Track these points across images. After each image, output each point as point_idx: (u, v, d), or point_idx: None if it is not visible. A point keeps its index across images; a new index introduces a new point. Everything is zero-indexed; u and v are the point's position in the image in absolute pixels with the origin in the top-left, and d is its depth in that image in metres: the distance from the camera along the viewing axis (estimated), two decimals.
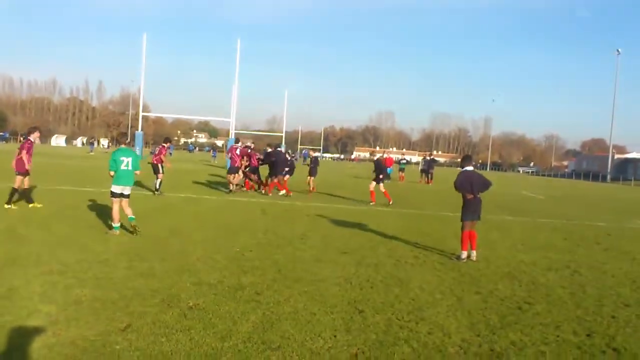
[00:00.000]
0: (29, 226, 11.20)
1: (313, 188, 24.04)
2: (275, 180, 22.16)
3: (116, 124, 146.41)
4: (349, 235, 12.69)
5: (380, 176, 20.33)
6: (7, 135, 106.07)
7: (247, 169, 22.92)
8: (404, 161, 42.99)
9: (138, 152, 46.71)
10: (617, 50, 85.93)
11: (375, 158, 21.61)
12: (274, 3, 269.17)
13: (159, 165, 19.75)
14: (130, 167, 11.25)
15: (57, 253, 8.95)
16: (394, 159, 47.86)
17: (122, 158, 11.19)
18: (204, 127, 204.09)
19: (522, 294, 8.20)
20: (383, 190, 20.44)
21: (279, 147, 24.11)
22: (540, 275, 9.67)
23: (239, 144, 23.68)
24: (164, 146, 20.86)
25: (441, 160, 54.38)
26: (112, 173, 11.18)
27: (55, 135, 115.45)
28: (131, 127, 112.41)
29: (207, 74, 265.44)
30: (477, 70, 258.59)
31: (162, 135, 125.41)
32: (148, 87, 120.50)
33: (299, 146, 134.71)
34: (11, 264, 8.04)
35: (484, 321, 6.75)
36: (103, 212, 13.64)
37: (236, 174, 22.41)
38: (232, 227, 12.81)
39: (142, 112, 54.43)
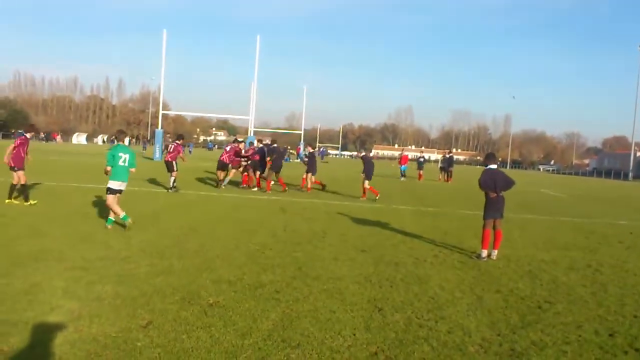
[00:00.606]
0: (52, 223, 11.32)
1: (309, 187, 23.24)
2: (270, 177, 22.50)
3: (136, 121, 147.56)
4: (367, 233, 12.68)
5: (363, 173, 21.09)
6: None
7: (248, 163, 23.05)
8: (422, 159, 42.84)
9: (157, 149, 47.10)
10: (639, 47, 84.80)
11: (361, 155, 21.89)
12: (293, 0, 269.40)
13: (174, 162, 19.83)
14: (127, 164, 11.33)
15: (79, 250, 9.05)
16: (409, 156, 47.62)
17: (120, 154, 11.27)
18: (223, 125, 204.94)
19: (543, 293, 8.13)
20: (368, 186, 21.18)
21: (272, 144, 23.87)
22: (561, 274, 9.59)
23: (254, 143, 24.19)
24: (178, 144, 20.91)
25: (460, 158, 54.28)
26: (108, 168, 11.25)
27: (77, 134, 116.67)
28: (151, 125, 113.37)
29: (226, 71, 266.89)
30: (498, 67, 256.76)
31: (182, 133, 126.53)
32: (168, 85, 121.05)
33: (317, 144, 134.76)
34: (34, 260, 8.15)
35: (504, 320, 6.71)
36: (123, 208, 13.74)
37: (222, 171, 22.86)
38: (250, 225, 12.85)
39: (162, 110, 54.83)
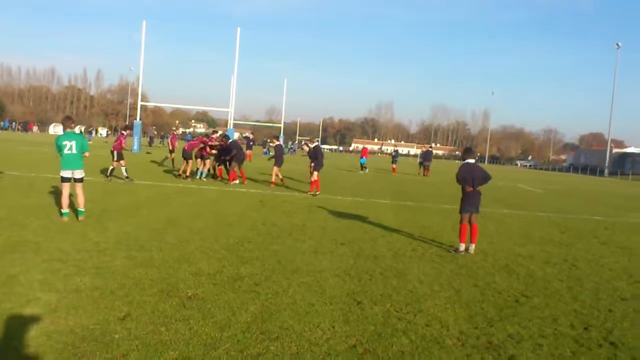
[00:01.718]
0: (29, 214, 11.19)
1: (273, 181, 22.74)
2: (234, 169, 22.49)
3: (114, 113, 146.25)
4: (347, 227, 12.71)
5: (312, 165, 20.29)
6: (7, 124, 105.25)
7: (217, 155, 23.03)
8: (396, 153, 43.21)
9: (136, 141, 46.68)
10: (617, 44, 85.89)
11: (312, 147, 21.21)
12: None
13: (120, 152, 19.69)
14: (74, 151, 11.10)
15: (57, 241, 8.96)
16: (388, 150, 47.98)
17: (64, 142, 11.06)
18: (203, 117, 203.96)
19: (520, 287, 8.23)
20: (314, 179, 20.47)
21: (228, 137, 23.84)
22: (538, 268, 9.71)
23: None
24: (123, 134, 20.77)
25: (439, 152, 55.08)
26: (60, 158, 11.16)
27: (53, 124, 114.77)
28: (129, 116, 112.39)
29: (206, 64, 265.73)
30: (477, 63, 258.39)
31: (160, 125, 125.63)
32: (147, 77, 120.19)
33: (297, 137, 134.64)
34: (11, 252, 8.05)
35: (481, 314, 6.78)
36: (100, 201, 13.63)
37: (189, 160, 22.71)
38: (230, 218, 12.81)
39: (141, 101, 54.34)
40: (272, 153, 25.15)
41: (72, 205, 11.48)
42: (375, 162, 69.38)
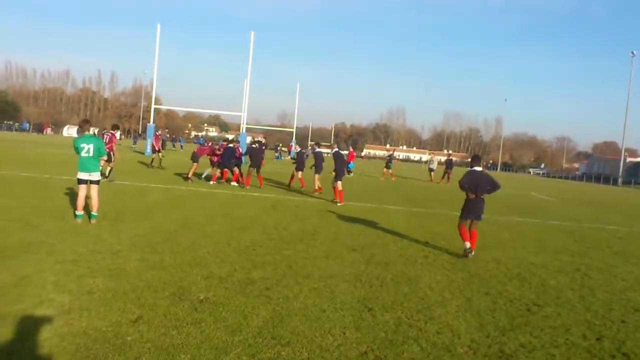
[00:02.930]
0: (43, 216, 11.27)
1: (317, 189, 22.46)
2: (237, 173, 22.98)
3: (128, 115, 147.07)
4: (358, 233, 12.71)
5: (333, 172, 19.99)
6: (26, 125, 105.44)
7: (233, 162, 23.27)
8: (389, 158, 43.15)
9: (149, 144, 46.88)
10: (632, 53, 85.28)
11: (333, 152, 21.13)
12: None
13: (110, 153, 19.75)
14: (91, 154, 11.19)
15: (70, 243, 9.02)
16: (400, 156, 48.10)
17: (82, 145, 11.15)
18: (215, 121, 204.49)
19: (532, 296, 8.19)
20: (316, 182, 20.61)
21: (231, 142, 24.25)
22: (550, 277, 9.66)
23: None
24: (113, 134, 20.96)
25: (442, 159, 55.40)
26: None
27: (67, 126, 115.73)
28: (143, 119, 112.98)
29: (220, 67, 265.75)
30: (490, 69, 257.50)
31: (173, 128, 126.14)
32: (160, 80, 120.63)
33: (309, 142, 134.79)
34: (24, 253, 8.12)
35: (493, 322, 6.75)
36: (113, 203, 13.71)
37: (195, 163, 23.36)
38: (242, 222, 12.85)
39: (154, 104, 54.62)
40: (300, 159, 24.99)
41: (87, 208, 11.53)
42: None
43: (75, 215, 11.12)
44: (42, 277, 6.95)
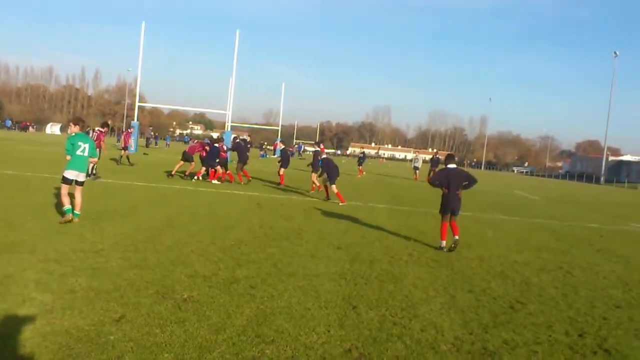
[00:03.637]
0: (25, 214, 11.16)
1: (313, 187, 22.67)
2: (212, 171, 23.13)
3: (112, 113, 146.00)
4: (344, 231, 12.72)
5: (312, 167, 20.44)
6: (10, 123, 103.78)
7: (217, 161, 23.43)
8: (362, 155, 43.84)
9: (133, 142, 46.57)
10: (615, 53, 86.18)
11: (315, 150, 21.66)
12: None
13: (97, 150, 19.65)
14: (86, 154, 11.00)
15: (53, 242, 8.94)
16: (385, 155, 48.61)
17: (79, 143, 10.90)
18: (200, 119, 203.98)
19: (515, 294, 8.25)
20: (317, 183, 20.67)
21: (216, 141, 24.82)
22: (533, 275, 9.73)
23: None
24: (102, 131, 21.09)
25: (427, 157, 56.16)
26: (68, 157, 10.91)
27: (50, 124, 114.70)
28: (127, 116, 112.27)
29: (205, 66, 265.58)
30: (475, 69, 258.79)
31: (157, 126, 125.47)
32: (145, 78, 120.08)
33: (294, 140, 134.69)
34: (7, 251, 8.03)
35: (476, 319, 6.79)
36: (97, 201, 13.61)
37: (191, 162, 23.53)
38: (227, 220, 12.81)
39: (139, 102, 54.29)
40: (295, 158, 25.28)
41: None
42: (373, 167, 69.41)
43: (65, 211, 10.76)
44: (25, 276, 6.88)
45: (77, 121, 11.46)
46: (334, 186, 18.96)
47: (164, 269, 7.85)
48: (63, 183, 10.94)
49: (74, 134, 11.16)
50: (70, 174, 10.88)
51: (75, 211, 10.93)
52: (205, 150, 23.16)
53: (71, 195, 11.00)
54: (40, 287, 6.50)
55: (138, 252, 8.72)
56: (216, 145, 23.35)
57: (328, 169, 19.40)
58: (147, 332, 5.39)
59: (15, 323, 5.32)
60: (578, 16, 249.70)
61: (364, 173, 39.90)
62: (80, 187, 11.09)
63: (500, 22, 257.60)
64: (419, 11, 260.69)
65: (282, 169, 24.21)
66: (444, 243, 11.39)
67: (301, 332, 5.79)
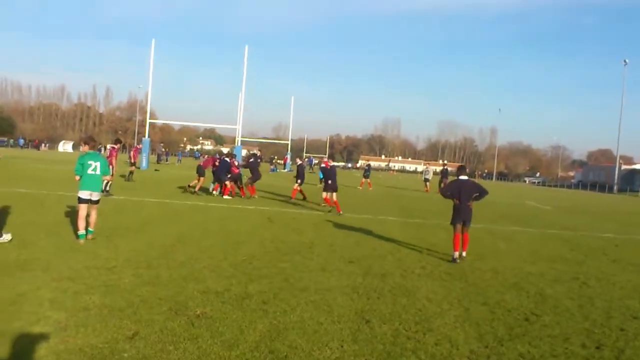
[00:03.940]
0: (39, 232, 11.22)
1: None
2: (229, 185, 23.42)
3: (123, 130, 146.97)
4: (355, 244, 12.69)
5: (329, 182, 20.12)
6: (23, 142, 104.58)
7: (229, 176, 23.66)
8: (368, 168, 44.04)
9: (145, 158, 46.86)
10: (624, 61, 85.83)
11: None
12: (281, 12, 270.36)
13: (110, 167, 19.90)
14: (98, 172, 10.94)
15: (66, 259, 8.98)
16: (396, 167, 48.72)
17: (89, 162, 10.87)
18: (210, 135, 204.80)
19: (530, 306, 8.17)
20: (325, 197, 20.56)
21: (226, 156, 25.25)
22: (548, 286, 9.64)
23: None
24: (114, 148, 21.43)
25: (437, 169, 56.56)
26: (77, 177, 10.93)
27: (63, 142, 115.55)
28: (138, 133, 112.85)
29: (214, 81, 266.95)
30: (484, 79, 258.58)
31: (168, 142, 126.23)
32: (155, 94, 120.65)
33: (304, 154, 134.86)
34: (20, 270, 8.07)
35: (491, 332, 6.73)
36: (109, 218, 13.67)
37: (202, 177, 23.94)
38: (238, 235, 12.82)
39: (149, 118, 54.62)
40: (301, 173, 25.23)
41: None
42: (384, 179, 69.32)
43: (78, 236, 10.75)
44: (39, 294, 6.91)
45: (88, 140, 11.53)
46: (326, 194, 19.99)
47: (177, 285, 7.85)
48: (79, 203, 10.95)
49: (85, 154, 11.19)
50: (84, 194, 10.86)
51: (89, 228, 10.92)
52: (215, 165, 23.42)
53: (88, 215, 10.99)
54: (54, 305, 6.52)
55: (151, 269, 8.74)
56: (226, 159, 23.48)
57: (326, 179, 20.22)
58: (161, 349, 5.38)
59: (30, 341, 5.34)
60: (587, 23, 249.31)
61: (371, 187, 39.65)
62: (96, 206, 11.07)
63: (507, 30, 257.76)
64: (426, 21, 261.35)
65: (297, 184, 23.93)
66: (456, 254, 11.44)
67: (314, 347, 5.76)
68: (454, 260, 11.33)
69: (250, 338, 5.88)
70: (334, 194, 19.78)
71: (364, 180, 40.50)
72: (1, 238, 10.05)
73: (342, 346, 5.85)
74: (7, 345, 5.21)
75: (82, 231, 10.71)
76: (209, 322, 6.32)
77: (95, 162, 10.95)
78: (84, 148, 11.34)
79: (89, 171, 10.87)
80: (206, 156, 26.44)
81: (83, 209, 10.83)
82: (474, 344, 6.26)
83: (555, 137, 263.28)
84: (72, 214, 13.64)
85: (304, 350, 5.64)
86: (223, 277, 8.55)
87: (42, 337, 5.46)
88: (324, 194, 20.12)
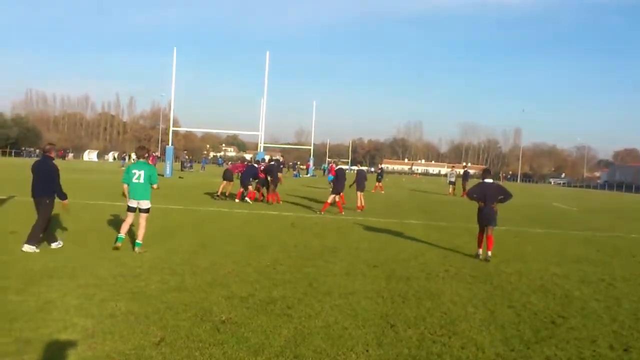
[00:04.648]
0: (64, 240, 11.35)
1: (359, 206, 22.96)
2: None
3: (147, 138, 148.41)
4: (378, 248, 12.67)
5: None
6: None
7: (256, 182, 24.53)
8: (380, 171, 44.93)
9: (169, 166, 47.25)
10: None
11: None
12: (301, 17, 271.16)
13: None
14: (142, 180, 10.94)
15: (92, 267, 9.09)
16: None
17: (134, 171, 10.96)
18: (233, 141, 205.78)
19: (556, 308, 8.09)
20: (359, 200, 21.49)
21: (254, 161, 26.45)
22: (574, 288, 9.53)
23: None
24: (154, 155, 21.83)
25: (470, 171, 55.87)
26: (125, 186, 11.09)
27: (88, 151, 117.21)
28: (162, 141, 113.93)
29: (236, 87, 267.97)
30: (507, 80, 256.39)
31: (191, 150, 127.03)
32: (178, 102, 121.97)
33: (327, 159, 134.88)
34: (47, 278, 8.20)
35: (517, 335, 6.67)
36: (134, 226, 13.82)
37: (230, 181, 24.81)
38: (262, 241, 12.87)
39: (172, 126, 55.09)
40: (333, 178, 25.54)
41: (107, 233, 11.62)
42: (407, 182, 69.15)
43: (117, 238, 10.97)
44: (66, 302, 7.01)
45: (137, 150, 11.94)
46: (333, 196, 20.79)
47: (202, 291, 7.91)
48: (127, 211, 11.18)
49: (133, 163, 11.39)
50: (131, 202, 11.02)
51: (137, 240, 10.91)
52: (240, 171, 24.09)
53: (135, 225, 11.19)
54: (81, 312, 6.61)
55: (176, 275, 8.82)
56: (254, 165, 24.37)
57: (336, 179, 21.28)
58: (187, 355, 5.42)
59: (58, 348, 5.42)
60: (611, 23, 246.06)
61: (383, 191, 39.33)
62: (145, 215, 11.03)
63: (531, 30, 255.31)
64: (448, 23, 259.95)
65: (336, 195, 21.56)
66: (480, 251, 12.06)
67: (339, 352, 5.76)
68: (477, 256, 12.04)
69: (275, 343, 5.90)
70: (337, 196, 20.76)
71: (377, 184, 40.33)
72: (55, 243, 10.62)
73: (367, 351, 5.85)
74: (36, 353, 5.29)
75: (121, 234, 10.98)
76: (234, 327, 6.36)
77: (139, 170, 10.96)
78: (135, 158, 11.80)
79: (134, 180, 10.92)
80: (230, 163, 27.34)
81: (128, 216, 11.13)
82: (500, 347, 6.21)
83: (579, 137, 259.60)
84: (98, 222, 13.82)
85: (329, 355, 5.65)
86: (247, 282, 8.60)
87: (70, 344, 5.54)
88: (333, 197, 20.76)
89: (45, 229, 10.56)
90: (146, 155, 11.69)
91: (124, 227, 11.03)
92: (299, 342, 5.99)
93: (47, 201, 10.63)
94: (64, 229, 13.00)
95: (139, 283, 8.19)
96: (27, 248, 10.10)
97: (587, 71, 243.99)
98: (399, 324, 6.88)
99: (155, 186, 11.08)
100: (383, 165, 52.50)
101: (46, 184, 10.67)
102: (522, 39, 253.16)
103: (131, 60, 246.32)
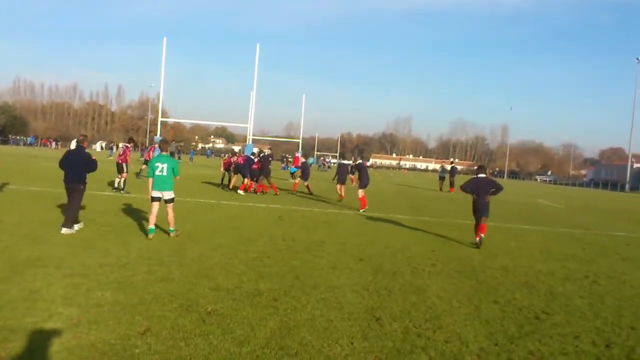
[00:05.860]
0: (51, 229, 11.31)
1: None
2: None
3: (135, 128, 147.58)
4: (366, 243, 12.70)
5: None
6: (34, 140, 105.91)
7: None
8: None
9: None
10: (637, 59, 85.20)
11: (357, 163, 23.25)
12: (292, 11, 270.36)
13: (124, 165, 21.14)
14: (165, 173, 11.52)
15: (79, 256, 9.06)
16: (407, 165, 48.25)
17: (157, 164, 11.54)
18: (222, 133, 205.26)
19: (540, 304, 8.16)
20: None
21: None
22: (559, 285, 9.62)
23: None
24: (128, 147, 22.26)
25: (458, 167, 55.89)
26: (150, 179, 11.63)
27: (75, 140, 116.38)
28: (150, 132, 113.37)
29: (226, 80, 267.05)
30: (495, 77, 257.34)
31: (180, 141, 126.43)
32: (167, 93, 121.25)
33: (315, 152, 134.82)
34: (33, 267, 8.15)
35: (501, 330, 6.73)
36: (122, 216, 13.77)
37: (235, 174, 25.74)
38: (249, 233, 12.86)
39: (161, 117, 54.81)
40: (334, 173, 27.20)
41: (94, 222, 11.56)
42: (395, 177, 69.29)
43: (149, 230, 11.42)
44: (51, 291, 6.99)
45: (160, 143, 12.32)
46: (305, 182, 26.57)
47: (188, 282, 7.91)
48: (152, 202, 11.62)
49: (156, 156, 12.04)
50: (154, 193, 11.58)
51: (169, 227, 11.70)
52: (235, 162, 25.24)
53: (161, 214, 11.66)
54: (66, 302, 6.59)
55: (163, 266, 8.80)
56: (252, 157, 25.36)
57: (303, 170, 27.28)
58: (172, 346, 5.43)
59: (43, 337, 5.40)
60: (599, 22, 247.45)
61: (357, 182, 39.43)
62: (170, 204, 11.73)
63: (519, 29, 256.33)
64: (437, 20, 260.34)
65: (361, 190, 20.98)
66: (477, 240, 13.09)
67: (324, 344, 5.79)
68: (475, 244, 13.13)
69: (260, 335, 5.92)
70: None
71: (352, 177, 40.27)
72: (77, 225, 11.62)
73: (352, 343, 5.88)
74: (21, 342, 5.28)
75: (151, 226, 11.49)
76: (219, 318, 6.37)
77: (162, 164, 11.60)
78: (159, 151, 12.26)
79: (157, 172, 11.53)
80: (237, 156, 27.75)
81: (154, 206, 11.62)
82: (484, 341, 6.27)
83: (566, 135, 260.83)
84: (84, 212, 13.72)
85: (314, 347, 5.67)
86: (234, 274, 8.60)
87: (55, 333, 5.53)
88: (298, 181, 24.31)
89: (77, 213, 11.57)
90: (167, 148, 12.81)
91: (152, 219, 11.53)
92: (284, 334, 6.01)
93: (82, 187, 11.68)
94: (52, 219, 12.89)
95: (125, 273, 8.17)
96: (65, 231, 11.05)
97: (575, 70, 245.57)
98: (384, 317, 6.92)
99: (177, 178, 11.48)
100: (379, 160, 52.22)
101: (80, 172, 11.69)
102: (512, 37, 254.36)
103: (121, 50, 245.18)
